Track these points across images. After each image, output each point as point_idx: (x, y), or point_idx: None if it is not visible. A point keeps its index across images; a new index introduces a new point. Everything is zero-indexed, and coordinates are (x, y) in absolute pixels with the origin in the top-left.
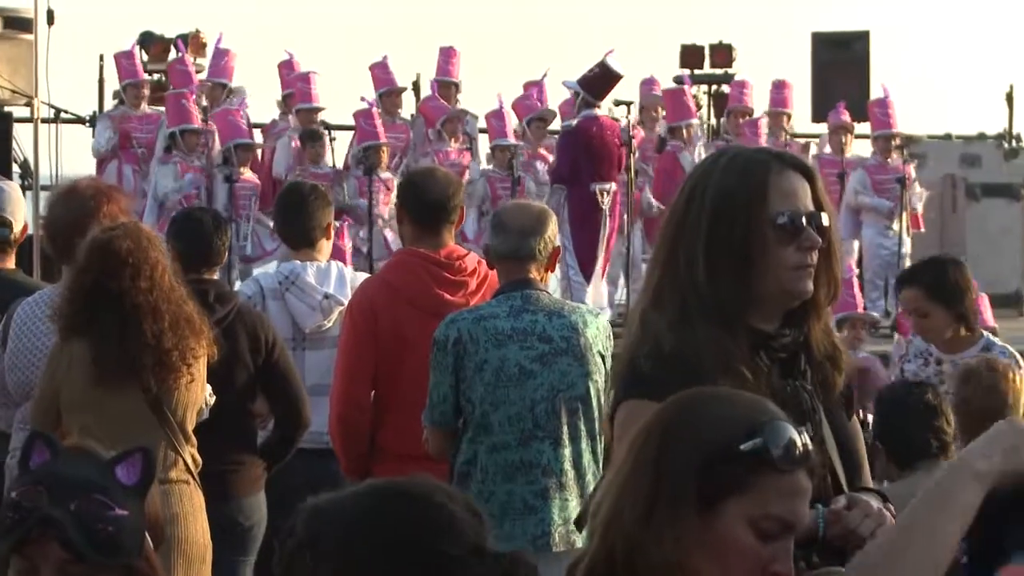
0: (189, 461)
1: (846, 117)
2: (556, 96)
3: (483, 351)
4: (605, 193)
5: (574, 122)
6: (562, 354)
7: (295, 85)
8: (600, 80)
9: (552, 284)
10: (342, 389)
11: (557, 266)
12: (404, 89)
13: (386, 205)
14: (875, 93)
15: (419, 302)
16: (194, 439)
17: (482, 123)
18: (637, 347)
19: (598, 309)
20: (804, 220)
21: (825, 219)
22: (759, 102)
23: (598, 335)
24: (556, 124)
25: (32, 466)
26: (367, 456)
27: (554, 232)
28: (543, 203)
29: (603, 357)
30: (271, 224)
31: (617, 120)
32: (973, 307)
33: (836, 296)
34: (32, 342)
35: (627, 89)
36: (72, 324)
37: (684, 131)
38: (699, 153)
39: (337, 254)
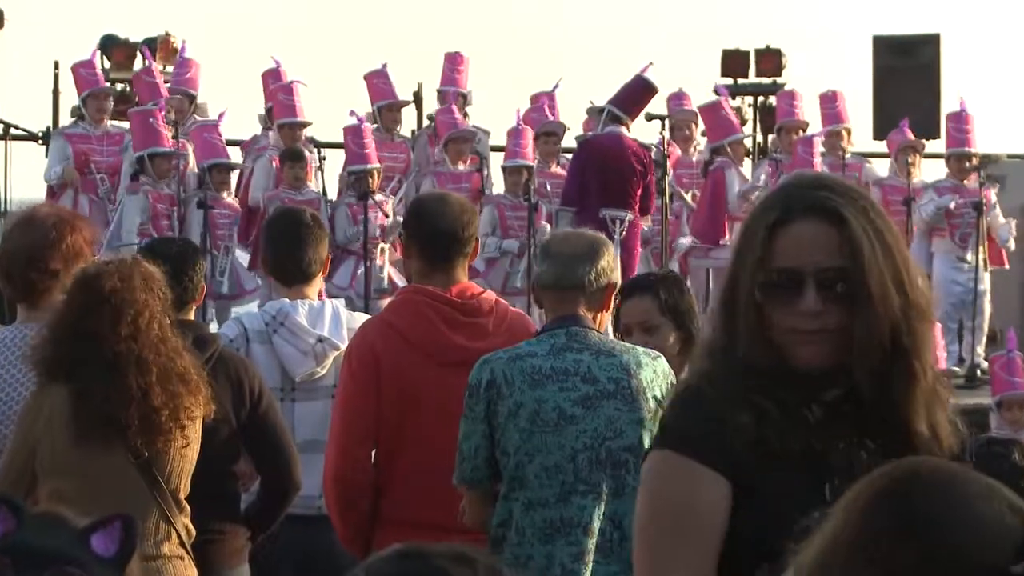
0: (183, 533)
1: (909, 134)
2: (570, 109)
3: (518, 393)
4: (618, 221)
5: (592, 134)
6: (609, 397)
7: (276, 97)
8: (636, 93)
9: None
10: (339, 447)
11: None
12: (406, 103)
13: (382, 231)
14: (946, 105)
15: (427, 348)
16: (188, 508)
17: (499, 140)
18: (674, 394)
19: (657, 352)
20: (809, 280)
21: (847, 273)
22: (811, 116)
23: (655, 379)
24: (570, 141)
25: None
26: (368, 524)
27: (610, 265)
28: (599, 233)
29: (660, 404)
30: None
31: (648, 148)
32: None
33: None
34: None
35: (664, 102)
36: (50, 370)
37: (729, 149)
38: (755, 184)
39: None
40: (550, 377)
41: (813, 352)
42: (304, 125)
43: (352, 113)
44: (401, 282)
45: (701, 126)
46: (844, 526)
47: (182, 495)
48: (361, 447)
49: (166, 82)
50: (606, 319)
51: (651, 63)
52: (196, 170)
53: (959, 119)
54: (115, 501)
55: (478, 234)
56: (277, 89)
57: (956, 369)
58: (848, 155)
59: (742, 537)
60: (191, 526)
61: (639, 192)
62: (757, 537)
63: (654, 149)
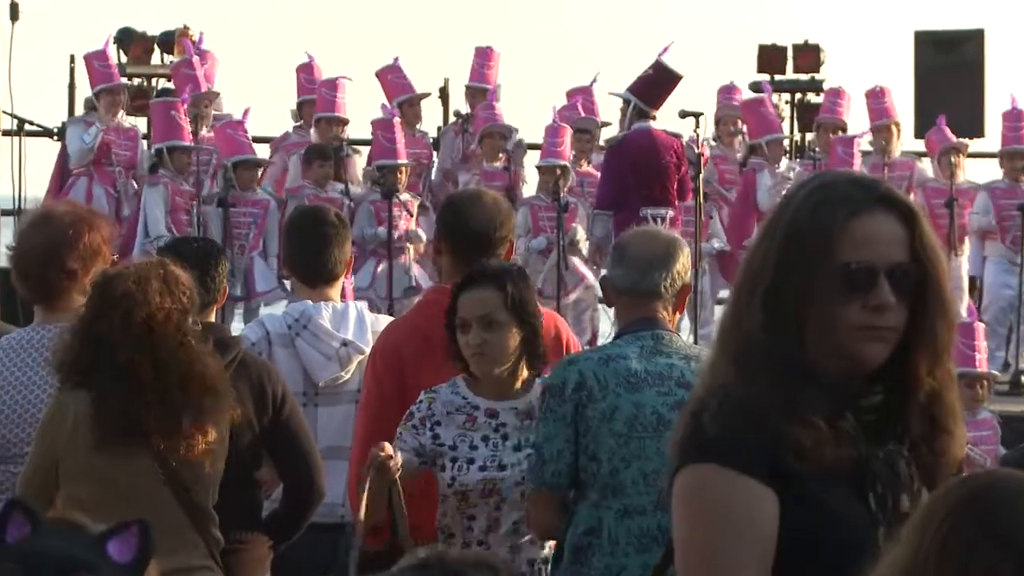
0: (211, 542)
1: (949, 134)
2: (608, 106)
3: (613, 396)
4: (659, 220)
5: (622, 135)
6: None
7: (318, 92)
8: (655, 83)
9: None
10: (361, 452)
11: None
12: (426, 95)
13: (405, 232)
14: (990, 103)
15: (449, 348)
16: (216, 516)
17: (535, 138)
18: (702, 402)
19: None
20: (881, 274)
21: (920, 271)
22: (852, 114)
23: None
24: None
25: (9, 541)
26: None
27: (685, 267)
28: (672, 232)
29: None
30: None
31: (678, 136)
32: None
33: (942, 369)
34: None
35: (698, 98)
36: (71, 374)
37: (765, 148)
38: (784, 174)
39: None
40: (646, 380)
41: (879, 350)
42: (343, 122)
43: (384, 107)
44: (426, 282)
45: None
46: (926, 541)
47: (210, 503)
48: None
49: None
50: (677, 319)
51: (670, 44)
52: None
53: (1014, 117)
54: (140, 509)
55: (512, 236)
56: (320, 84)
57: (996, 373)
58: (897, 153)
59: (790, 551)
60: (219, 535)
61: (675, 185)
62: (806, 550)
63: (686, 142)
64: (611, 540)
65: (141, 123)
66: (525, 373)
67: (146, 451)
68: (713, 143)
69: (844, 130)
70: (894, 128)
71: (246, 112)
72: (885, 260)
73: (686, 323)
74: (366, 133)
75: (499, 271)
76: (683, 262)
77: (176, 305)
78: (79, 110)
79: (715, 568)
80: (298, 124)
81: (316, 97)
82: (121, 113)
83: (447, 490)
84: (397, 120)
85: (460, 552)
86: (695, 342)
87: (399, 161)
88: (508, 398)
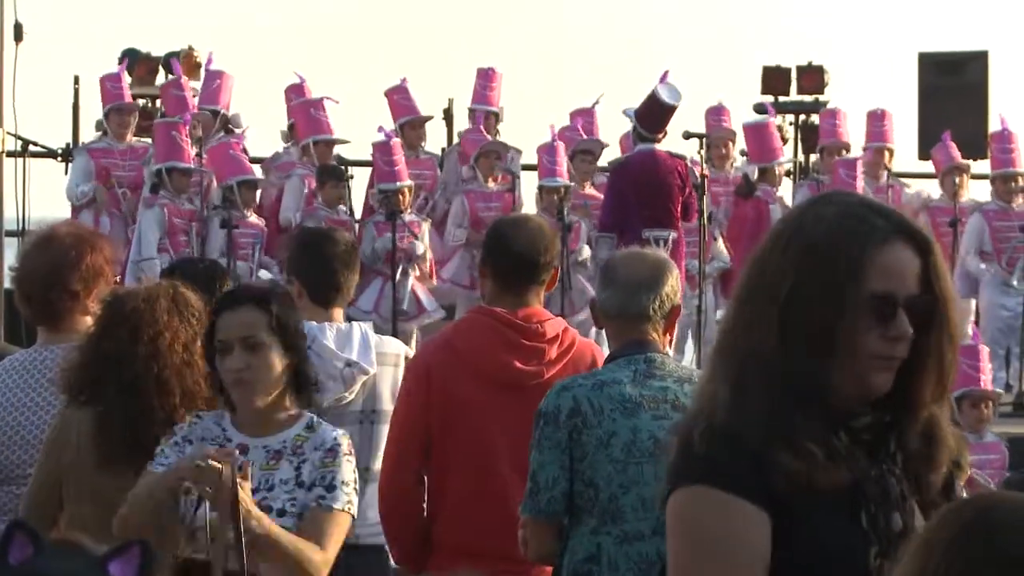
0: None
1: (955, 153)
2: (610, 127)
3: (609, 421)
4: (662, 242)
5: (624, 157)
6: None
7: (305, 113)
8: (651, 112)
9: None
10: (388, 469)
11: None
12: (428, 118)
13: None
14: (993, 125)
15: (483, 369)
16: None
17: (532, 159)
18: (692, 422)
19: None
20: (900, 306)
21: (933, 303)
22: (854, 135)
23: None
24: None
25: (12, 562)
26: (421, 547)
27: (674, 288)
28: (663, 254)
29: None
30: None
31: (682, 157)
32: None
33: (943, 395)
34: (2, 416)
35: (702, 119)
36: (77, 394)
37: (775, 171)
38: (785, 198)
39: None
40: (641, 405)
41: (887, 379)
42: (339, 142)
43: (380, 129)
44: (429, 304)
45: (740, 143)
46: (932, 564)
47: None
48: (409, 470)
49: (193, 96)
50: (667, 341)
51: (667, 71)
52: (217, 185)
53: (1002, 139)
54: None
55: (557, 261)
56: (307, 105)
57: (1000, 391)
58: (888, 178)
59: (782, 572)
60: None
61: (679, 207)
62: (798, 572)
63: (689, 163)
64: (611, 567)
65: (147, 142)
66: (291, 406)
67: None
68: (706, 164)
69: (848, 150)
70: (887, 152)
71: (243, 132)
72: (904, 291)
73: (689, 344)
74: (366, 154)
75: (262, 291)
76: (672, 284)
77: (184, 326)
78: (84, 131)
79: None
80: (288, 145)
81: (299, 118)
82: (129, 134)
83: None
84: (396, 141)
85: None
86: (699, 363)
87: (399, 184)
88: (265, 434)
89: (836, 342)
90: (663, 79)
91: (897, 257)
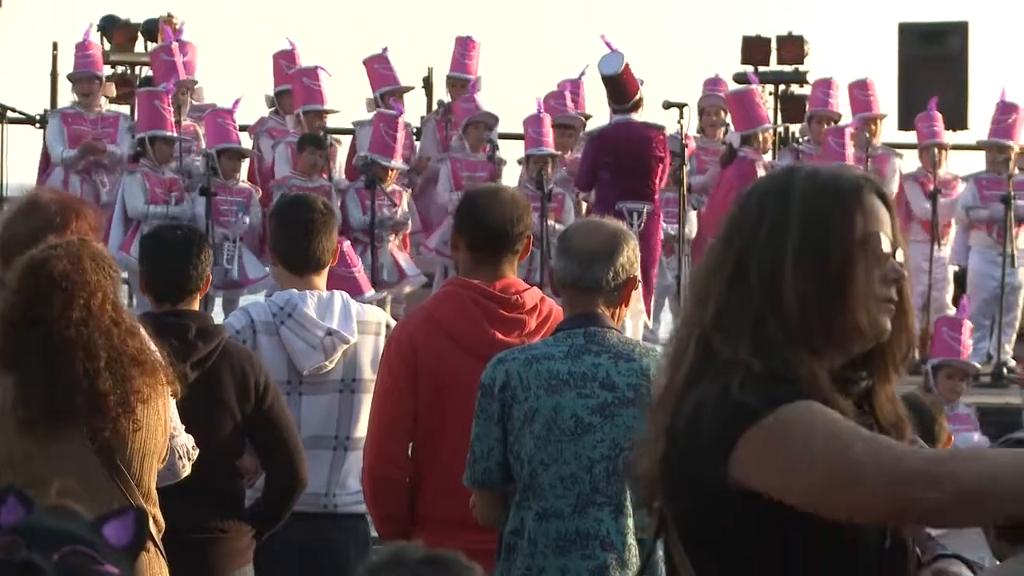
0: (150, 524)
1: (939, 127)
2: (595, 100)
3: (533, 398)
4: (636, 214)
5: (598, 128)
6: (628, 405)
7: (297, 82)
8: (608, 86)
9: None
10: (374, 442)
11: None
12: (408, 88)
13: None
14: (974, 96)
15: (466, 341)
16: (156, 496)
17: (517, 128)
18: (724, 377)
19: None
20: (891, 249)
21: (901, 256)
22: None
23: None
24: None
25: (2, 523)
26: (406, 519)
27: (630, 259)
28: (620, 224)
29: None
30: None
31: (660, 128)
32: None
33: (909, 355)
34: None
35: (682, 88)
36: (2, 359)
37: (760, 138)
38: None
39: (346, 284)
40: (568, 383)
41: (889, 323)
42: (330, 112)
43: (391, 101)
44: (410, 270)
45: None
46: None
47: (148, 481)
48: (395, 442)
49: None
50: (624, 313)
51: (602, 35)
52: (202, 155)
53: (1003, 110)
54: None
55: (530, 232)
56: (298, 73)
57: (978, 366)
58: (878, 148)
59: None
60: (159, 516)
61: (657, 178)
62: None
63: (670, 134)
64: (531, 541)
65: (125, 111)
66: None
67: (76, 432)
68: (697, 134)
69: (837, 121)
70: (874, 124)
71: (236, 102)
72: (891, 237)
73: (667, 314)
74: (346, 123)
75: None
76: (628, 255)
77: (108, 282)
78: (61, 97)
79: (838, 434)
80: (273, 109)
81: (295, 87)
82: (103, 101)
83: None
84: (403, 119)
85: (417, 549)
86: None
87: (391, 163)
88: None
89: (847, 288)
90: (608, 46)
91: (876, 204)
